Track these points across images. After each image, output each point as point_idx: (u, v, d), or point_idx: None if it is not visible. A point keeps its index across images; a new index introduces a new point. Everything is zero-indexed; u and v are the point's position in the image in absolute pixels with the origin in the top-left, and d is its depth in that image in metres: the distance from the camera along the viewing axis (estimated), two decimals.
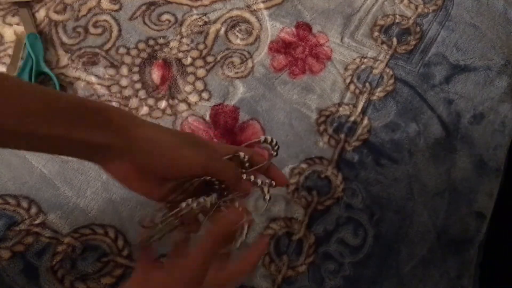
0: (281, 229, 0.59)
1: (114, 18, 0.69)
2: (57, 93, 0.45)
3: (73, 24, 0.68)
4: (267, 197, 0.46)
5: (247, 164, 0.45)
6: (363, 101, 0.66)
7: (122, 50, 0.67)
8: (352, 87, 0.67)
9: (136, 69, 0.66)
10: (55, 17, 0.68)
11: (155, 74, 0.66)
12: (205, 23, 0.70)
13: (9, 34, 0.66)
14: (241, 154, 0.44)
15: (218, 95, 0.65)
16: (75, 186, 0.59)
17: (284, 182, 0.48)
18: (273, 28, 0.70)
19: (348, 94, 0.67)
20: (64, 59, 0.66)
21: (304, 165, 0.62)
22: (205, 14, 0.70)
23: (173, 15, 0.70)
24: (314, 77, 0.67)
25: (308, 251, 0.58)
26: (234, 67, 0.67)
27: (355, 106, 0.66)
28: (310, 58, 0.69)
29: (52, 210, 0.57)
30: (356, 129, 0.65)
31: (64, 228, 0.57)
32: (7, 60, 0.64)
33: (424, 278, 0.59)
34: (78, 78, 0.65)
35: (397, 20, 0.72)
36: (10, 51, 0.65)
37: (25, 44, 0.65)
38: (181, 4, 0.71)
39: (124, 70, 0.66)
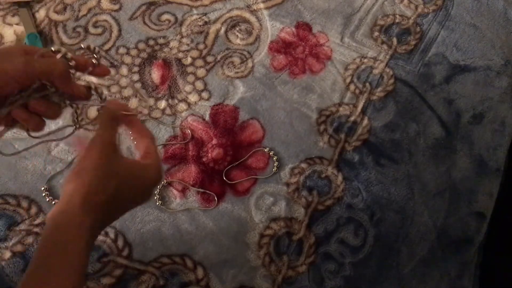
0: (281, 229, 0.59)
1: (114, 18, 0.69)
2: None
3: (73, 24, 0.68)
4: (103, 97, 0.46)
5: (72, 63, 0.44)
6: (363, 101, 0.66)
7: (122, 50, 0.67)
8: (352, 87, 0.67)
9: (136, 69, 0.66)
10: (55, 17, 0.68)
11: (155, 74, 0.66)
12: (205, 23, 0.70)
13: (9, 34, 0.66)
14: (62, 50, 0.43)
15: (218, 95, 0.65)
16: None
17: (107, 72, 0.46)
18: (273, 28, 0.70)
19: (348, 94, 0.67)
20: None
21: (304, 165, 0.62)
22: (205, 14, 0.70)
23: (173, 15, 0.70)
24: (314, 77, 0.67)
25: (308, 251, 0.58)
26: (234, 67, 0.67)
27: (355, 106, 0.66)
28: (310, 58, 0.69)
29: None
30: (356, 129, 0.65)
31: None
32: None
33: (425, 278, 0.59)
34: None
35: (397, 20, 0.72)
36: None
37: (25, 44, 0.65)
38: (181, 4, 0.71)
39: (124, 70, 0.66)
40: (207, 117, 0.64)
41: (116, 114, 0.41)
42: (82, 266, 0.35)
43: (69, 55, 0.43)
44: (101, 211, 0.36)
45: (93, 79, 0.48)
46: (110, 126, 0.40)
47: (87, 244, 0.35)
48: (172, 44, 0.68)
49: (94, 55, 0.46)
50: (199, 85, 0.66)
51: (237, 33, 0.69)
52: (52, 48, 0.42)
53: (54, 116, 0.43)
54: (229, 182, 0.61)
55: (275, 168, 0.61)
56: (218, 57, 0.67)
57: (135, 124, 0.43)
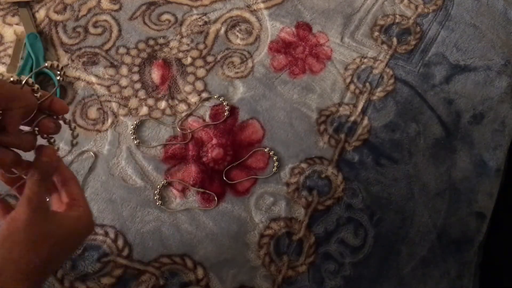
0: (281, 229, 0.59)
1: (114, 18, 0.69)
2: None
3: (73, 24, 0.68)
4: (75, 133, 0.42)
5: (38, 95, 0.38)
6: (363, 101, 0.66)
7: (122, 50, 0.67)
8: (352, 87, 0.67)
9: (136, 69, 0.66)
10: (55, 17, 0.68)
11: (155, 74, 0.66)
12: (205, 23, 0.70)
13: (9, 34, 0.66)
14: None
15: (217, 95, 0.65)
16: None
17: (65, 109, 0.39)
18: (273, 28, 0.70)
19: (348, 94, 0.67)
20: (64, 59, 0.66)
21: (304, 165, 0.62)
22: (205, 14, 0.70)
23: (173, 15, 0.70)
24: (314, 77, 0.67)
25: (308, 251, 0.58)
26: (234, 67, 0.67)
27: (355, 106, 0.66)
28: (310, 58, 0.69)
29: None
30: (356, 129, 0.65)
31: None
32: (7, 60, 0.64)
33: (425, 278, 0.59)
34: (78, 78, 0.65)
35: (397, 20, 0.72)
36: (10, 51, 0.65)
37: (25, 44, 0.65)
38: (181, 4, 0.71)
39: (124, 70, 0.66)
40: (207, 118, 0.64)
41: (51, 168, 0.36)
42: None
43: (36, 86, 0.37)
44: (37, 274, 0.33)
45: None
46: (42, 182, 0.35)
47: None
48: (172, 44, 0.68)
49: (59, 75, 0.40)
50: (199, 85, 0.66)
51: (237, 33, 0.69)
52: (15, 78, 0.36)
53: (29, 147, 0.37)
54: (229, 182, 0.61)
55: (275, 168, 0.61)
56: (218, 57, 0.67)
57: (59, 167, 0.38)
